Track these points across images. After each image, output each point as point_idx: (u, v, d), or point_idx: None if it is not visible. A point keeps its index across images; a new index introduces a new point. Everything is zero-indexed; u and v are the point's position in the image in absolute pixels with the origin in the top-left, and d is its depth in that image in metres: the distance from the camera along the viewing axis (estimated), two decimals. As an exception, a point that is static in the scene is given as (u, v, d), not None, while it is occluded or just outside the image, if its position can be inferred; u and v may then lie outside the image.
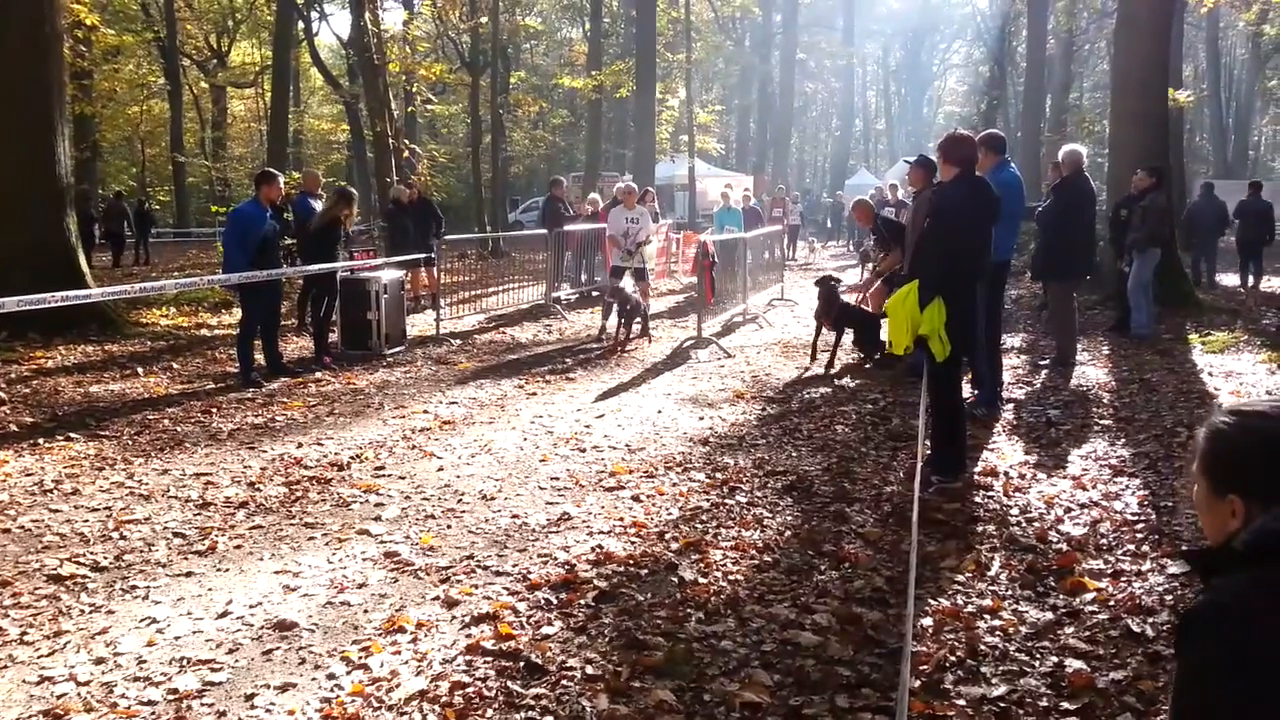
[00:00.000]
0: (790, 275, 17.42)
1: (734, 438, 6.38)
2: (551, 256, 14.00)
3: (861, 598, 3.79)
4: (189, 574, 4.15)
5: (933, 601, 3.75)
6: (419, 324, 11.78)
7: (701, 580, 3.98)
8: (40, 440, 6.43)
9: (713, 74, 52.01)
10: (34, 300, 6.85)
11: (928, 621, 3.57)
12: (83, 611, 3.78)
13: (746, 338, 11.01)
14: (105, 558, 4.35)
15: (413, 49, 25.16)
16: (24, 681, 3.22)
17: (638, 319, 10.53)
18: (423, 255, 12.63)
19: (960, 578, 4.00)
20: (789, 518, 4.77)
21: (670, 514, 4.84)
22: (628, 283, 10.42)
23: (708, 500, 5.04)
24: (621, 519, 4.77)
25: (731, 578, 4.01)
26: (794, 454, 5.94)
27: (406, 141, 23.07)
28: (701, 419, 6.95)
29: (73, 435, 6.55)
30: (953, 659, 3.29)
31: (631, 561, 4.18)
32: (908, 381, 7.73)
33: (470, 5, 27.73)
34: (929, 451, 5.29)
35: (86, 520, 4.87)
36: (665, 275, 17.22)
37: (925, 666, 3.23)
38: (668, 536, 4.50)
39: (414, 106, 28.42)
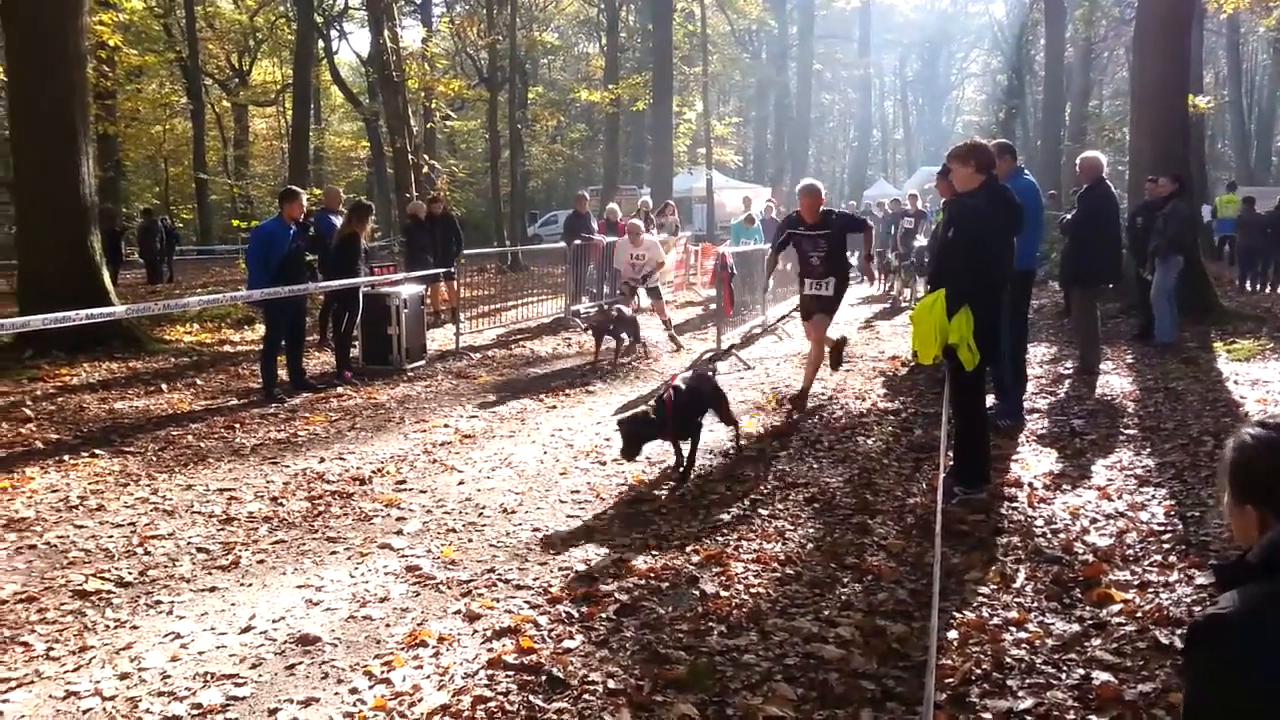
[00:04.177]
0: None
1: (754, 449, 6.36)
2: (572, 270, 14.04)
3: (885, 610, 3.76)
4: (213, 589, 4.18)
5: (958, 614, 3.71)
6: (439, 338, 11.83)
7: (723, 593, 3.96)
8: (66, 457, 6.50)
9: (729, 86, 52.07)
10: (59, 318, 6.92)
11: (953, 634, 3.54)
12: (108, 627, 3.81)
13: (766, 349, 10.98)
14: (130, 573, 4.38)
15: (431, 66, 25.41)
16: (50, 696, 3.25)
17: (633, 337, 10.38)
18: (442, 270, 12.70)
19: (985, 590, 3.96)
20: (811, 530, 4.75)
21: (691, 527, 4.82)
22: (624, 307, 10.32)
23: (729, 513, 5.02)
24: (642, 531, 4.76)
25: (753, 590, 3.99)
26: (815, 466, 5.92)
27: (426, 157, 23.23)
28: (721, 431, 6.91)
29: (98, 451, 6.62)
30: (978, 672, 3.26)
31: (653, 574, 4.17)
32: (931, 392, 7.69)
33: (488, 22, 27.94)
34: (952, 462, 5.25)
35: (111, 536, 4.91)
36: (684, 287, 17.23)
37: (951, 680, 3.19)
38: (688, 549, 4.49)
39: (433, 123, 28.57)
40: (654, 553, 4.45)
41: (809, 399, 7.62)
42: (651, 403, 5.65)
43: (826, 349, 7.99)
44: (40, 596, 4.12)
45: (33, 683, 3.34)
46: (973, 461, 5.19)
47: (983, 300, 4.90)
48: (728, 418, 6.21)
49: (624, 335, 10.22)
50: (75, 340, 10.08)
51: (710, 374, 6.64)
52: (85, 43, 12.06)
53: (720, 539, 4.62)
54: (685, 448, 5.71)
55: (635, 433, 5.43)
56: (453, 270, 12.80)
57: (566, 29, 47.26)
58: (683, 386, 5.70)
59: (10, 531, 5.00)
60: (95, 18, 17.66)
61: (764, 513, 5.00)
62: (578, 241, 14.11)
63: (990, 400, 6.26)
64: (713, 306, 12.05)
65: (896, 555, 4.37)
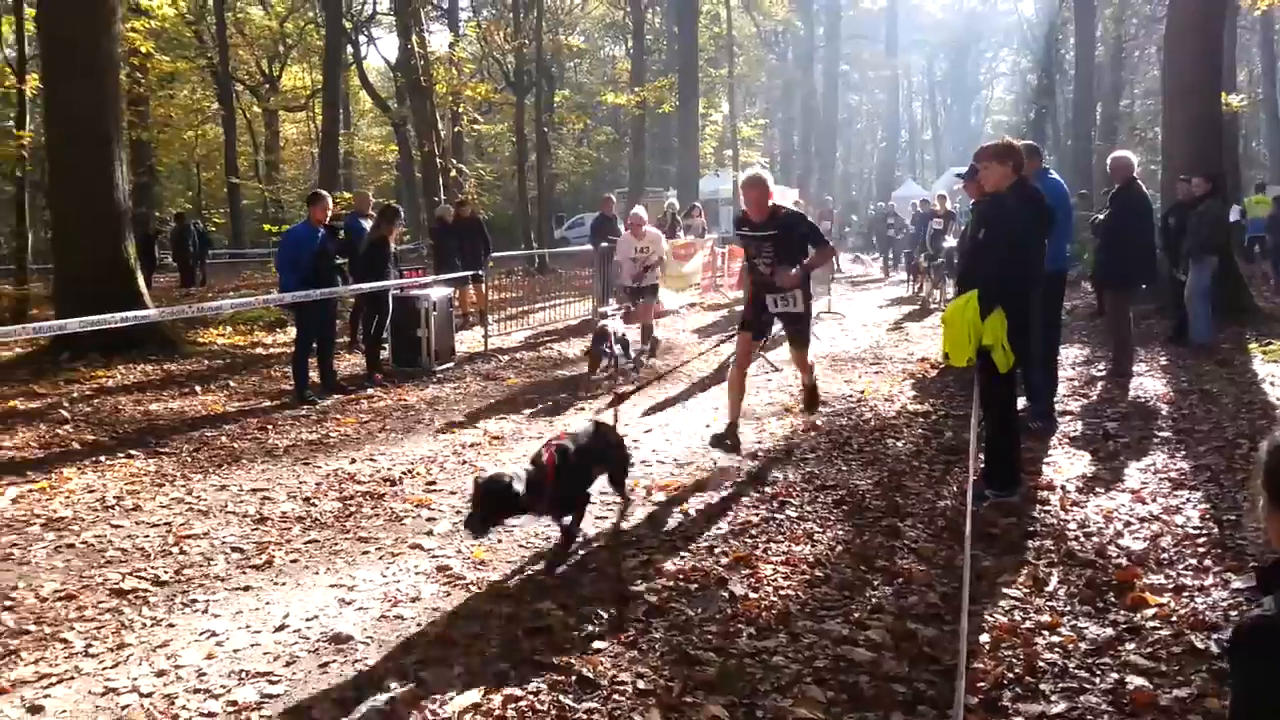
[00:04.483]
0: (837, 289, 17.30)
1: (782, 451, 6.35)
2: (599, 272, 14.07)
3: (916, 614, 3.74)
4: (247, 588, 4.23)
5: (989, 618, 3.69)
6: (467, 340, 11.90)
7: (752, 595, 3.96)
8: (102, 457, 6.61)
9: (755, 88, 51.97)
10: (95, 321, 7.04)
11: (985, 638, 3.52)
12: (144, 624, 3.87)
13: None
14: (166, 572, 4.45)
15: (459, 70, 25.54)
16: (90, 692, 3.30)
17: (630, 352, 9.53)
18: (470, 273, 12.78)
19: (1017, 593, 3.93)
20: (840, 532, 4.73)
21: (719, 528, 4.82)
22: (612, 322, 9.36)
23: (757, 515, 5.01)
24: (670, 533, 4.77)
25: (782, 593, 3.98)
26: (844, 468, 5.89)
27: (454, 161, 23.40)
28: (749, 433, 6.91)
29: (134, 452, 6.72)
30: (1011, 676, 3.24)
31: (681, 576, 4.18)
32: (961, 395, 7.64)
33: (514, 26, 28.06)
34: (983, 465, 5.22)
35: (147, 535, 4.98)
36: (711, 289, 17.21)
37: (983, 683, 3.17)
38: (717, 551, 4.49)
39: (460, 126, 28.80)
40: (682, 554, 4.46)
41: (812, 399, 7.01)
42: (528, 465, 4.22)
43: (803, 385, 6.98)
44: (79, 594, 4.19)
45: (73, 679, 3.41)
46: (1004, 464, 5.15)
47: (1015, 301, 4.86)
48: (620, 482, 4.96)
49: (615, 351, 9.15)
50: (111, 343, 10.23)
51: (613, 425, 5.04)
52: (118, 50, 12.24)
53: (749, 541, 4.61)
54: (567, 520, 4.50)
55: (494, 503, 3.93)
56: (481, 273, 12.87)
57: (592, 32, 47.40)
58: (571, 447, 4.40)
59: (49, 530, 5.10)
60: (128, 25, 17.90)
61: (792, 515, 4.99)
62: (604, 244, 14.15)
63: (1021, 403, 6.22)
64: (739, 308, 12.01)
65: (927, 558, 4.35)
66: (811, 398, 6.94)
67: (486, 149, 44.80)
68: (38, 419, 7.88)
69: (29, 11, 14.81)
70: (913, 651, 3.43)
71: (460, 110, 26.47)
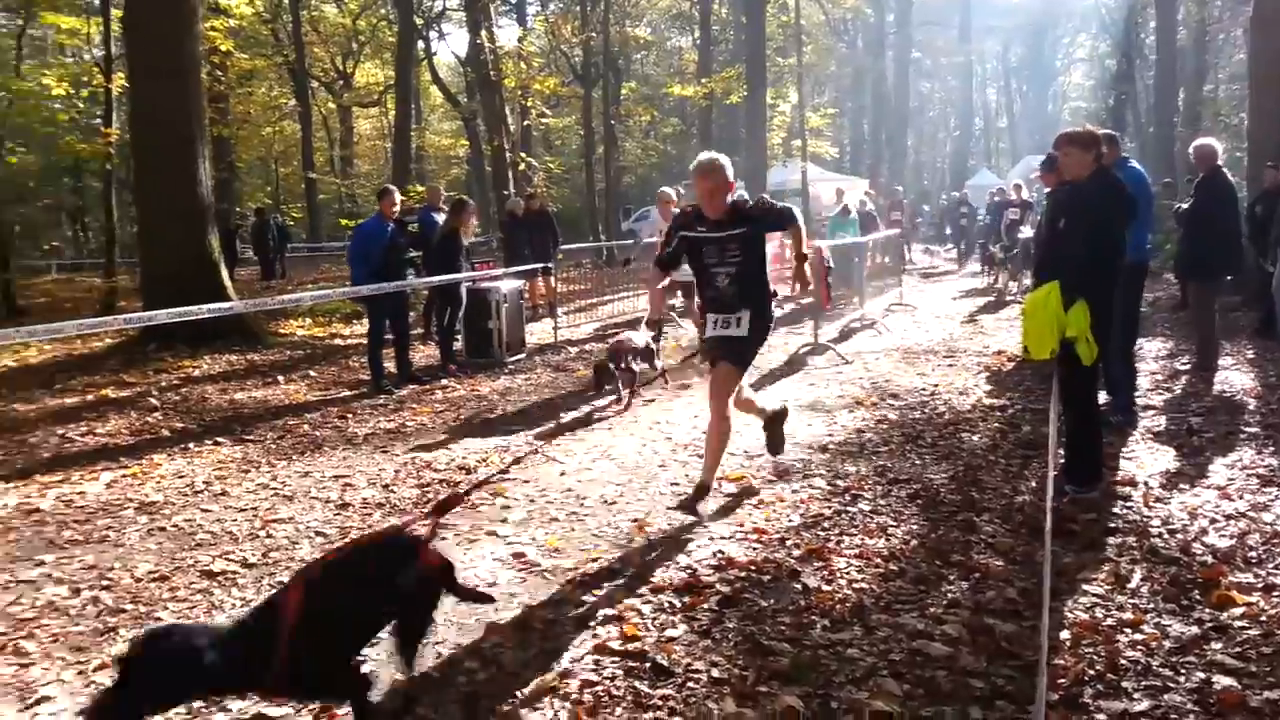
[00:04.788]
0: (908, 280, 17.05)
1: (854, 445, 6.31)
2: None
3: (993, 609, 3.70)
4: (331, 571, 4.37)
5: (1069, 614, 3.63)
6: (537, 332, 12.05)
7: (825, 587, 3.96)
8: (190, 444, 6.88)
9: (824, 77, 51.34)
10: (183, 313, 7.32)
11: (1065, 634, 3.47)
12: (234, 605, 4.03)
13: (864, 344, 10.84)
14: (253, 555, 4.62)
15: (527, 64, 25.79)
16: (187, 668, 3.45)
17: (657, 363, 8.56)
18: (540, 265, 12.92)
19: (1098, 590, 3.86)
20: (914, 526, 4.70)
21: (791, 520, 4.82)
22: (636, 335, 8.20)
23: (829, 507, 5.00)
24: (741, 524, 4.78)
25: (856, 586, 3.97)
26: (918, 462, 5.84)
27: (523, 155, 23.64)
28: (820, 425, 6.89)
29: (220, 440, 6.98)
30: (1092, 673, 3.19)
31: (753, 567, 4.20)
32: (1039, 388, 7.49)
33: (581, 19, 28.21)
34: (1062, 460, 5.12)
35: (235, 519, 5.18)
36: (779, 282, 17.09)
37: (1063, 680, 3.13)
38: (789, 543, 4.49)
39: (529, 120, 29.05)
40: (754, 545, 4.48)
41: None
42: (244, 614, 2.77)
43: (753, 419, 5.69)
44: (171, 576, 4.38)
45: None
46: (1085, 459, 5.05)
47: (1098, 293, 4.75)
48: (412, 644, 3.06)
49: (634, 367, 7.99)
50: (196, 334, 10.62)
51: (428, 541, 3.10)
52: (200, 49, 12.63)
53: (821, 533, 4.61)
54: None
55: (155, 683, 2.39)
56: (550, 265, 13.01)
57: (659, 23, 47.35)
58: (332, 582, 2.80)
59: (142, 514, 5.34)
60: (207, 24, 18.47)
61: (865, 508, 4.96)
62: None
63: (1101, 397, 6.07)
64: (806, 301, 11.93)
65: (1004, 554, 4.29)
66: (773, 437, 5.63)
67: (554, 142, 45.15)
68: (128, 407, 8.24)
69: (115, 13, 15.39)
70: (990, 647, 3.40)
71: (529, 104, 26.74)
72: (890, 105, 45.38)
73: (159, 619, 3.89)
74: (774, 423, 5.62)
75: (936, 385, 8.19)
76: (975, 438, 6.41)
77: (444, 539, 4.69)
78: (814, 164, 31.69)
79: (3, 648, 3.66)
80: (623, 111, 35.86)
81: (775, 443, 5.66)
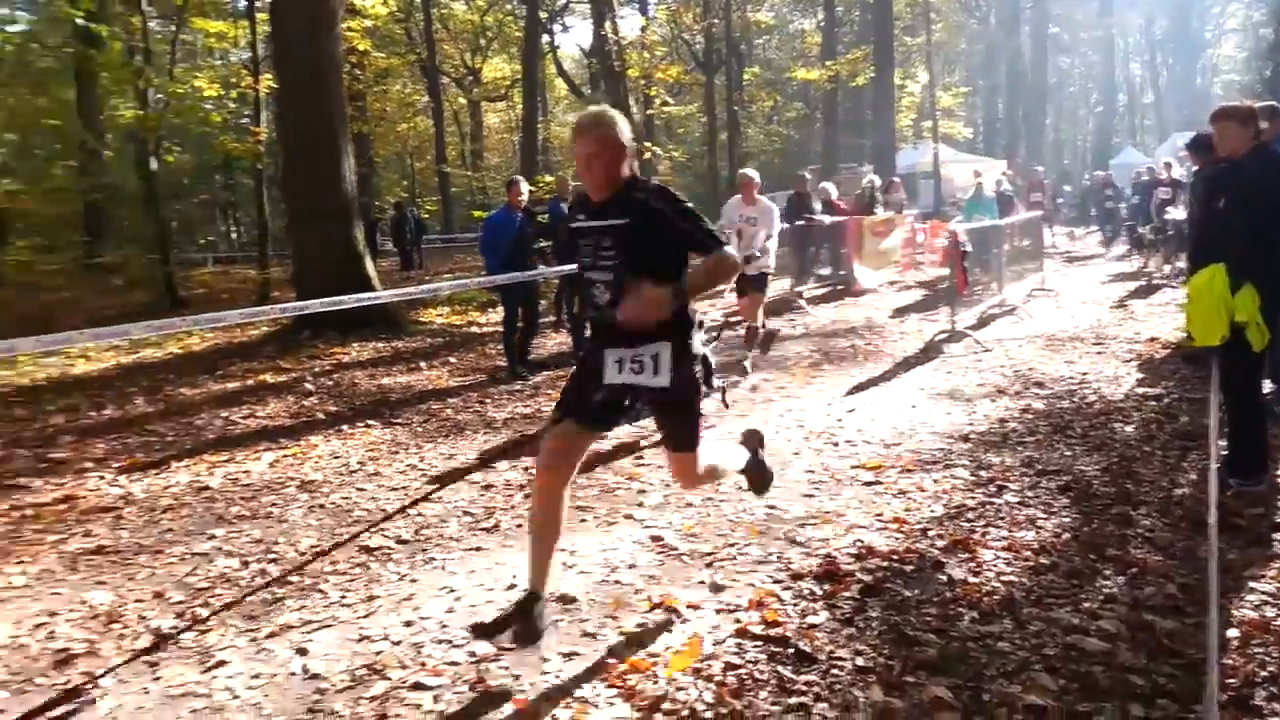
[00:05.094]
0: (1050, 264, 16.33)
1: (997, 434, 6.11)
2: (795, 251, 13.95)
3: (1153, 605, 3.54)
4: (478, 549, 4.54)
5: (1236, 612, 3.44)
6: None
7: (972, 579, 3.86)
8: (344, 427, 7.24)
9: (955, 55, 49.59)
10: (333, 302, 7.68)
11: (1233, 633, 3.28)
12: (390, 579, 4.24)
13: (1005, 330, 10.45)
14: (406, 532, 4.84)
15: (650, 53, 25.90)
16: (347, 639, 3.65)
17: (714, 381, 7.35)
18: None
19: (1268, 588, 3.64)
20: (1065, 519, 4.52)
21: (933, 511, 4.72)
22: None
23: (973, 498, 4.86)
24: (880, 514, 4.71)
25: (1005, 579, 3.86)
26: (1067, 453, 5.61)
27: (647, 144, 23.77)
28: (959, 414, 6.70)
29: (370, 423, 7.33)
30: (1264, 674, 3.01)
31: (895, 557, 4.13)
32: (1196, 376, 7.08)
33: (703, 6, 28.10)
34: (1224, 452, 4.84)
35: (388, 498, 5.44)
36: (911, 267, 16.68)
37: (1233, 680, 2.98)
38: (931, 534, 4.40)
39: (652, 109, 29.18)
40: (894, 535, 4.40)
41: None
42: None
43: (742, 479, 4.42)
44: (331, 551, 4.64)
45: (331, 626, 3.78)
46: (1250, 451, 4.75)
47: (1265, 274, 4.46)
48: None
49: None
50: (345, 322, 11.15)
51: None
52: (340, 50, 13.18)
53: (965, 524, 4.49)
54: None
55: None
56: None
57: (781, 7, 46.70)
58: None
59: (303, 492, 5.66)
60: (345, 25, 19.29)
61: (1012, 500, 4.81)
62: (800, 222, 14.00)
63: (1265, 386, 5.69)
64: (942, 286, 11.59)
65: (1163, 548, 4.09)
66: (754, 483, 4.37)
67: (677, 130, 45.18)
68: (285, 391, 8.73)
69: (261, 16, 16.23)
70: (1150, 644, 3.25)
71: (652, 93, 26.85)
72: (1027, 82, 43.33)
73: (321, 591, 4.12)
74: (750, 471, 4.31)
75: (1085, 373, 7.84)
76: (1129, 428, 6.11)
77: (583, 521, 4.81)
78: (946, 145, 30.69)
79: (182, 615, 3.97)
80: (745, 97, 35.59)
81: (758, 486, 4.41)
